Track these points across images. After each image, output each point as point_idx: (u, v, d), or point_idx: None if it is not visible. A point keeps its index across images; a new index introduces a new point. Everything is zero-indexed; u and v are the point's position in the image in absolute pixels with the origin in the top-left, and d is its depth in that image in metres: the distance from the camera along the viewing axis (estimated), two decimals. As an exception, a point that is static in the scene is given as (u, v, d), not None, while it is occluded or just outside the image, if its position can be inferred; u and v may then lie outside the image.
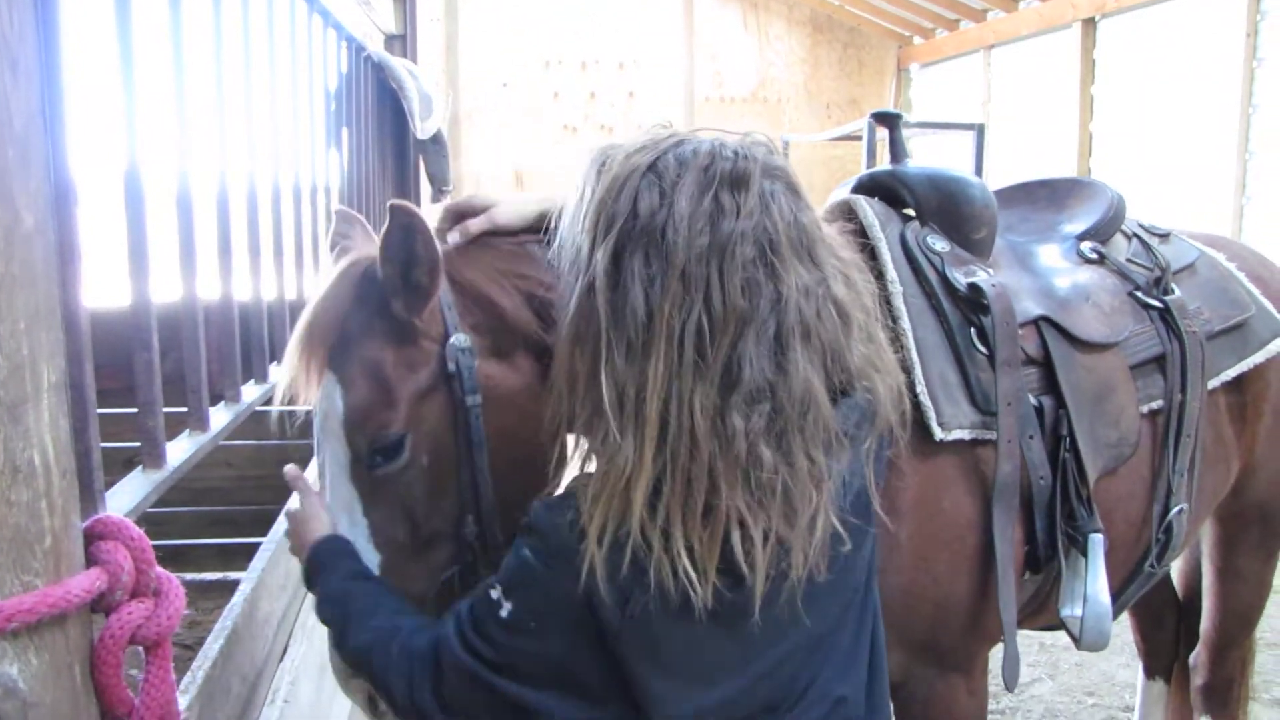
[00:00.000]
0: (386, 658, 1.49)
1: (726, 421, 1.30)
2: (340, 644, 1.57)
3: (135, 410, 1.56)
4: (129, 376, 1.56)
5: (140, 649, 1.05)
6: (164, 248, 1.90)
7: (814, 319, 1.36)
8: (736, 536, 1.31)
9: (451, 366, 1.64)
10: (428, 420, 1.66)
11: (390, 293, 1.61)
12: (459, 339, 1.65)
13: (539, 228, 1.75)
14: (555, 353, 1.49)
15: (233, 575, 2.11)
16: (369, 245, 1.81)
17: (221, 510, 4.23)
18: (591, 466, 1.41)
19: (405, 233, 1.57)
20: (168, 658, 1.05)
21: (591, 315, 1.35)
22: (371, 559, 1.65)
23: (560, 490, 1.46)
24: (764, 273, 1.32)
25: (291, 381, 1.67)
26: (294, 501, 1.74)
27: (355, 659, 1.55)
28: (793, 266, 1.35)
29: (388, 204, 1.57)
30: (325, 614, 1.60)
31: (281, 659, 2.12)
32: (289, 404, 1.69)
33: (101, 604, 0.97)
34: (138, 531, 0.99)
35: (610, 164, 1.39)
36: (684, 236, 1.30)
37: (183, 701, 1.46)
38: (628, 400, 1.31)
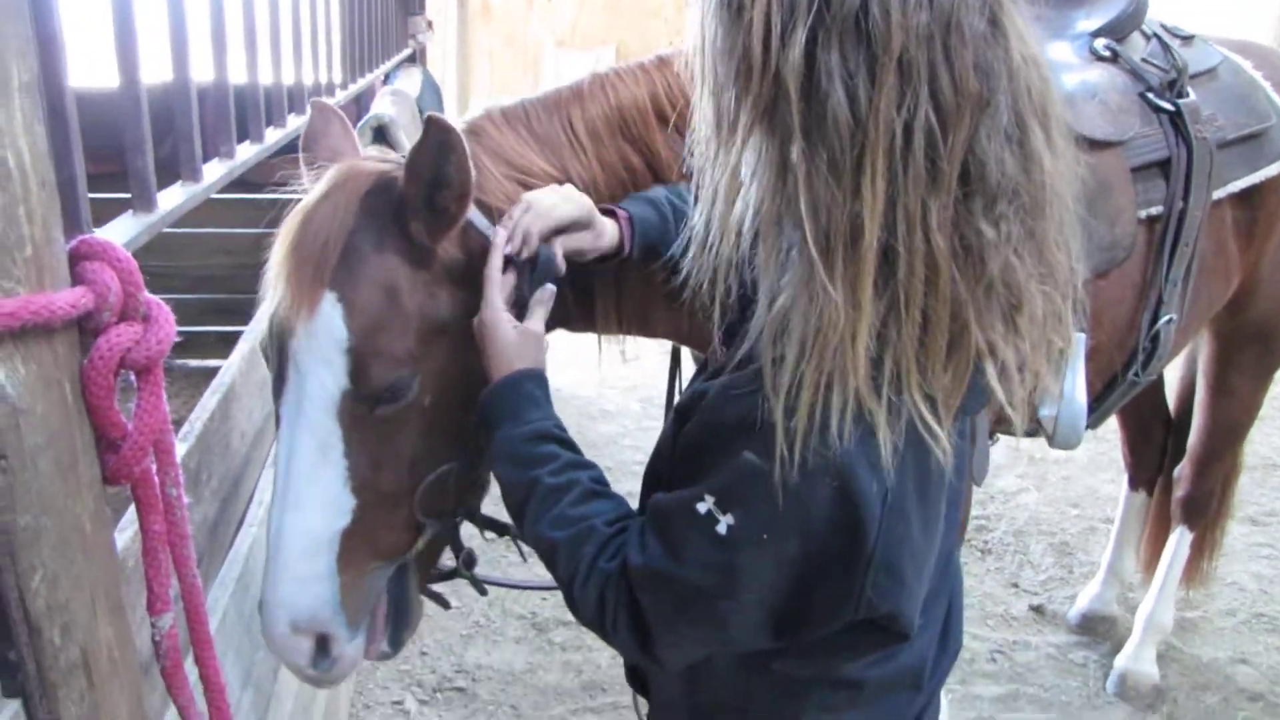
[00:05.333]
0: (575, 564, 1.28)
1: (972, 236, 1.07)
2: (519, 519, 1.37)
3: (128, 181, 1.51)
4: (123, 160, 1.49)
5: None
6: (154, 34, 1.83)
7: (1042, 92, 1.12)
8: (992, 369, 1.11)
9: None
10: (438, 357, 1.52)
11: (411, 213, 1.48)
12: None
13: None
14: (700, 192, 1.21)
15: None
16: (348, 144, 1.70)
17: (222, 298, 4.30)
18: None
19: (438, 151, 1.43)
20: (159, 384, 1.06)
21: (776, 130, 1.08)
22: (344, 505, 1.48)
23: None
24: (996, 46, 1.07)
25: (275, 299, 1.47)
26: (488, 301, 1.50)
27: (537, 548, 1.35)
28: (1014, 28, 1.09)
29: (425, 116, 1.42)
30: (504, 475, 1.40)
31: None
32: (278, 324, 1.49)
33: (89, 325, 0.98)
34: (125, 254, 0.97)
35: None
36: (896, 16, 1.02)
37: (181, 449, 1.52)
38: (836, 233, 1.05)
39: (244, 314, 2.23)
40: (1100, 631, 3.73)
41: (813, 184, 1.05)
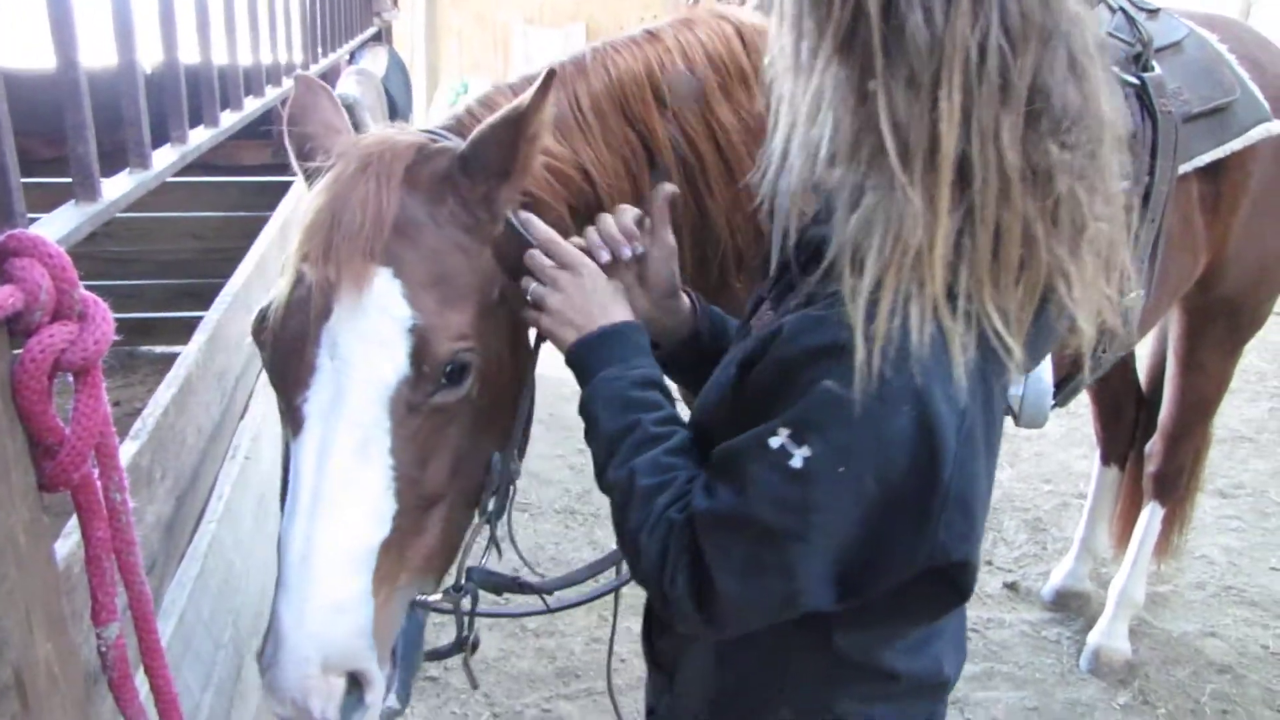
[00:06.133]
0: (647, 513, 1.26)
1: (1039, 156, 1.12)
2: (604, 463, 1.33)
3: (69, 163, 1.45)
4: (64, 144, 1.39)
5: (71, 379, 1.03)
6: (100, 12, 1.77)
7: (1098, 41, 1.18)
8: (1063, 287, 1.16)
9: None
10: (489, 339, 1.44)
11: (516, 171, 1.43)
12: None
13: None
14: (779, 120, 1.25)
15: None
16: (339, 118, 1.62)
17: (189, 283, 4.23)
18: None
19: (543, 102, 1.39)
20: (98, 385, 1.01)
21: (856, 53, 1.14)
22: (386, 512, 1.34)
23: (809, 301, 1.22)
24: None
25: (299, 281, 1.36)
26: (550, 250, 1.45)
27: (616, 491, 1.31)
28: None
29: (545, 69, 1.39)
30: (600, 417, 1.35)
31: (243, 416, 2.15)
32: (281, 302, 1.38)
33: (19, 326, 0.94)
34: (57, 249, 0.93)
35: None
36: None
37: (132, 448, 1.47)
38: (916, 144, 1.11)
39: (212, 299, 2.17)
40: (1074, 607, 3.76)
41: (893, 100, 1.11)
